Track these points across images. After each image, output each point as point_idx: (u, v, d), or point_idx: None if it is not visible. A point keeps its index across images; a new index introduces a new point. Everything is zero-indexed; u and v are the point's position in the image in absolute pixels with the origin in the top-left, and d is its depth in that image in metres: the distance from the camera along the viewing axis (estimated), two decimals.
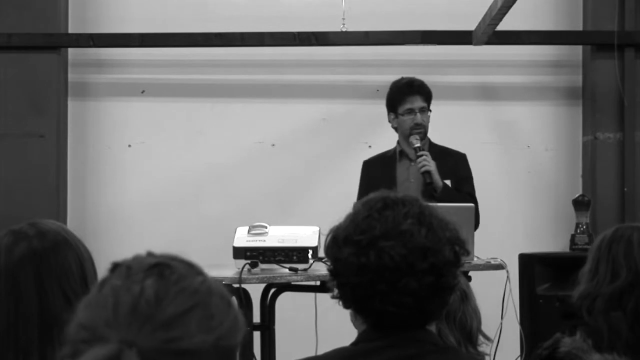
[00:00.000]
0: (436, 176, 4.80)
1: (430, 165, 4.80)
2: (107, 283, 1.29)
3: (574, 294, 2.50)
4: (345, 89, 6.31)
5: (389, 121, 5.04)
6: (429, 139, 5.03)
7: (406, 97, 4.95)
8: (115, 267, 1.32)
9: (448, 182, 4.86)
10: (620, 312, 2.39)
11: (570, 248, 5.67)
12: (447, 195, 4.75)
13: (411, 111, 4.94)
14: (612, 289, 2.42)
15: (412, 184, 4.94)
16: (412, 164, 4.95)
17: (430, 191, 4.78)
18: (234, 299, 1.32)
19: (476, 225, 4.80)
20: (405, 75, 5.12)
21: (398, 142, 5.05)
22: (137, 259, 1.32)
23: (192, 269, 1.32)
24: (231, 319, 1.29)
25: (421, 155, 4.83)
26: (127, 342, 1.20)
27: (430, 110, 5.00)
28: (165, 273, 1.28)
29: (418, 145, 4.88)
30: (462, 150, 5.09)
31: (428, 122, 4.98)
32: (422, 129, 4.94)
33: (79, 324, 1.26)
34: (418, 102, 4.95)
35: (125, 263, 1.31)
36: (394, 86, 5.06)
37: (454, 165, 4.97)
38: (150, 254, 1.33)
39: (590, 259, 2.51)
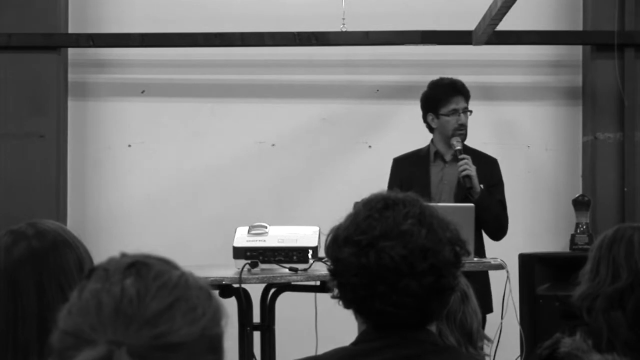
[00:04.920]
0: (476, 181, 4.75)
1: (472, 169, 4.76)
2: (86, 288, 1.29)
3: (575, 294, 2.50)
4: (345, 89, 6.30)
5: (428, 121, 4.97)
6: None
7: (450, 98, 4.91)
8: (91, 272, 1.32)
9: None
10: (620, 312, 2.40)
11: (570, 248, 5.68)
12: (484, 200, 4.73)
13: (455, 112, 4.90)
14: (612, 289, 2.42)
15: (445, 185, 4.91)
16: (446, 165, 4.92)
17: (467, 195, 4.76)
18: (213, 291, 1.34)
19: (502, 232, 4.82)
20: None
21: (432, 142, 4.99)
22: (112, 261, 1.33)
23: (168, 265, 1.33)
24: (213, 309, 1.30)
25: (463, 159, 4.78)
26: (115, 343, 1.21)
27: (471, 111, 4.98)
28: (143, 271, 1.29)
29: (459, 147, 4.84)
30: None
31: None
32: (464, 130, 4.91)
33: (62, 331, 1.26)
34: (462, 103, 4.93)
35: (101, 266, 1.32)
36: (436, 86, 5.00)
37: (487, 170, 4.93)
38: (124, 255, 1.34)
39: (591, 259, 2.52)
